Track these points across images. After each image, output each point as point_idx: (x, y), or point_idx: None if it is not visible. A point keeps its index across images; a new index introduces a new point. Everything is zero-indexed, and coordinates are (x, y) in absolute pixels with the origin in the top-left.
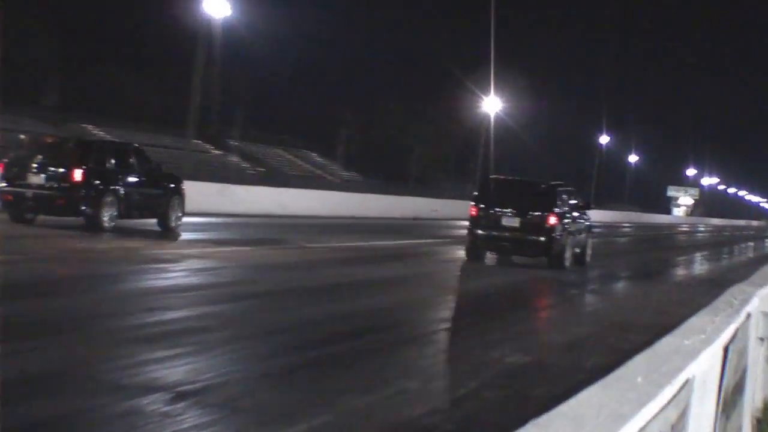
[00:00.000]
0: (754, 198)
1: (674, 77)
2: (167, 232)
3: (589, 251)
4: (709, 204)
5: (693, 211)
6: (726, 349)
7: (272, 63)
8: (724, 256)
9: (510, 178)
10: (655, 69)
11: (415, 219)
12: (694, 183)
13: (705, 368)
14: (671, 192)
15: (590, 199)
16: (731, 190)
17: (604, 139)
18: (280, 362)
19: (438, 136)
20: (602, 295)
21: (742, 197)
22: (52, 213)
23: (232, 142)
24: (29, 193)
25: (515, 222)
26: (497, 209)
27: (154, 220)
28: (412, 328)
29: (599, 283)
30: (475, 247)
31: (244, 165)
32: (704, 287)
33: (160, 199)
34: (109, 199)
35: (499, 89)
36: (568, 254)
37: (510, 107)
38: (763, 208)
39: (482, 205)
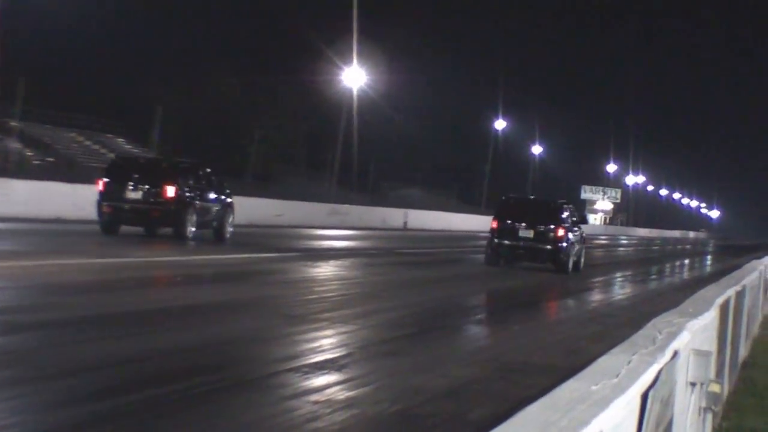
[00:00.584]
0: (692, 202)
1: (593, 52)
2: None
3: (582, 259)
4: (634, 209)
5: (613, 218)
6: (645, 397)
7: (66, 22)
8: (652, 277)
9: (525, 196)
10: (568, 42)
11: (250, 225)
12: (616, 182)
13: (617, 421)
14: (586, 194)
15: (585, 215)
16: (663, 192)
17: (500, 125)
18: (76, 412)
19: (285, 119)
20: (495, 328)
21: (677, 201)
22: (147, 225)
23: (11, 123)
24: (126, 206)
25: (529, 233)
26: (515, 223)
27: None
28: (249, 368)
29: (495, 312)
30: (495, 253)
31: (28, 153)
32: (625, 316)
33: (218, 212)
34: (191, 212)
35: (368, 61)
36: (570, 261)
37: (383, 84)
38: (704, 215)
39: (507, 220)
